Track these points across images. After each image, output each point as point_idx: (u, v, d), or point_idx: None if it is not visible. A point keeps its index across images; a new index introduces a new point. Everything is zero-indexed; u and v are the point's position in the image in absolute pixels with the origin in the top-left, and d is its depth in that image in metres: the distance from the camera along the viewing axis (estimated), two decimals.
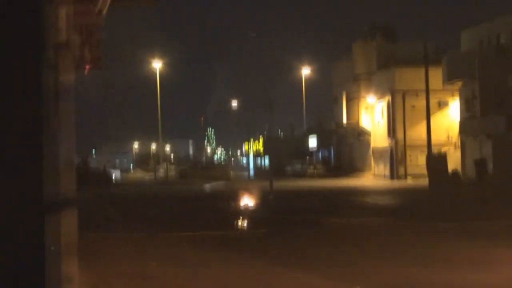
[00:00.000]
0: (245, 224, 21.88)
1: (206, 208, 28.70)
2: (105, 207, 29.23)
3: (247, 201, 29.25)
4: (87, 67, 16.41)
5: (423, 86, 44.10)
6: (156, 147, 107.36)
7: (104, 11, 11.36)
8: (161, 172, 76.66)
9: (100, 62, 17.04)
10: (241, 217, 23.08)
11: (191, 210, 28.15)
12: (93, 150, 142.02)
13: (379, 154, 63.26)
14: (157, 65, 76.48)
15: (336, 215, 23.65)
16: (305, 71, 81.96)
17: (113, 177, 64.80)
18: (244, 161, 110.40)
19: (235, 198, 30.46)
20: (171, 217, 24.82)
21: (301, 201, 32.85)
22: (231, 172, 79.32)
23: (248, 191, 32.75)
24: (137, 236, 18.20)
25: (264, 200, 31.02)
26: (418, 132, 55.62)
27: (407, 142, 58.33)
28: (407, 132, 58.36)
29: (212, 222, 22.27)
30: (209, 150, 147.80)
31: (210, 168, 78.58)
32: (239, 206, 28.41)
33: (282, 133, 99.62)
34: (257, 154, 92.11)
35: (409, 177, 55.87)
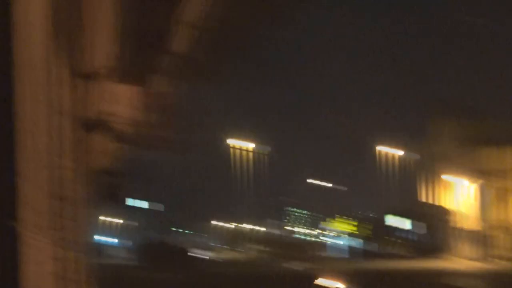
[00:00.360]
0: None
1: None
2: None
3: (334, 282, 28.97)
4: (163, 147, 16.63)
5: (509, 166, 43.34)
6: (237, 227, 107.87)
7: (162, 92, 11.60)
8: (250, 251, 76.85)
9: (175, 143, 17.21)
10: None
11: None
12: (176, 228, 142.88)
13: (464, 235, 61.91)
14: (235, 142, 77.44)
15: None
16: (387, 150, 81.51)
17: (193, 254, 65.12)
18: (330, 241, 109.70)
19: (321, 277, 30.14)
20: None
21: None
22: (316, 251, 78.81)
23: (335, 273, 32.41)
24: None
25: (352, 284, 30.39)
26: (505, 213, 54.36)
27: (493, 223, 57.00)
28: (493, 213, 57.09)
29: None
30: (293, 229, 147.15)
31: (293, 248, 78.32)
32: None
33: (369, 214, 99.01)
34: (343, 234, 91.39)
35: (497, 260, 54.35)
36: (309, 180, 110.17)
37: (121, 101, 12.19)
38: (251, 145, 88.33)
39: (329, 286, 28.58)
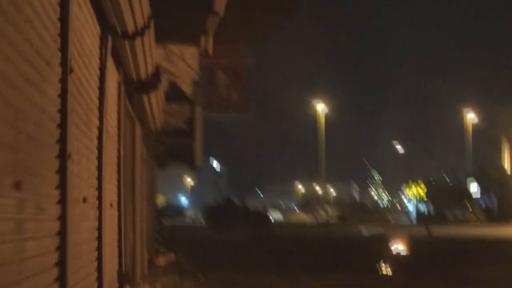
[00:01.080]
0: (388, 270, 21.74)
1: (355, 252, 28.75)
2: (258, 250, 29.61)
3: (398, 247, 28.96)
4: (235, 107, 16.84)
5: None
6: (319, 189, 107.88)
7: (215, 54, 11.71)
8: (322, 214, 77.13)
9: (246, 103, 17.38)
10: (386, 263, 22.88)
11: (337, 253, 28.33)
12: (257, 190, 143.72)
13: None
14: (319, 106, 77.27)
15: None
16: (468, 115, 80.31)
17: (272, 218, 65.76)
18: (407, 206, 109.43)
19: (387, 242, 30.16)
20: (315, 260, 24.95)
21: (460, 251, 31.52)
22: (391, 216, 78.65)
23: (403, 236, 32.28)
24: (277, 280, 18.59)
25: (417, 247, 30.21)
26: None
27: None
28: None
29: (355, 265, 22.30)
30: (373, 193, 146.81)
31: (370, 212, 78.48)
32: (389, 251, 28.16)
33: (447, 178, 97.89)
34: (420, 199, 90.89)
35: None
36: (393, 142, 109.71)
37: (175, 60, 12.34)
38: (332, 107, 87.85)
39: (397, 250, 28.59)
